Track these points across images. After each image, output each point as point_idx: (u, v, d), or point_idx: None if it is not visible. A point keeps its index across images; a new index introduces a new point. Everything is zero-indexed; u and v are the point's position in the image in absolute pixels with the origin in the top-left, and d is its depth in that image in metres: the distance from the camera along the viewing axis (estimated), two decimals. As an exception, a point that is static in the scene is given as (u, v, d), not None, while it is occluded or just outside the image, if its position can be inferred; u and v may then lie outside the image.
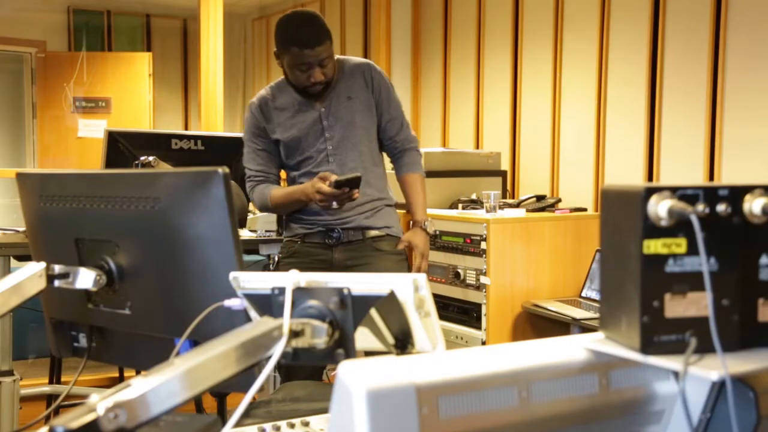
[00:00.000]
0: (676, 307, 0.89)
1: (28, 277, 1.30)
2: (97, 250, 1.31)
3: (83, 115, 6.74)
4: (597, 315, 2.97)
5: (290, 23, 2.56)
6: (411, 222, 2.75)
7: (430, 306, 1.05)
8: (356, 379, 0.78)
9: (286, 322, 0.99)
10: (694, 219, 0.86)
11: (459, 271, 3.56)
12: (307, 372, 2.49)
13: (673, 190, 0.88)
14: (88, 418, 0.80)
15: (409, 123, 2.85)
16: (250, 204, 3.39)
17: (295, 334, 0.99)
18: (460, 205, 3.89)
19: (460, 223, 3.60)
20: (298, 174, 2.68)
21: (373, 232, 2.67)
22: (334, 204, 2.46)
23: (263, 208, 2.77)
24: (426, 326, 1.07)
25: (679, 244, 0.88)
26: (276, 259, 2.82)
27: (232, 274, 1.12)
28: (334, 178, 2.42)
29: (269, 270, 3.36)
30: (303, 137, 2.65)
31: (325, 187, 2.41)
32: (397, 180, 2.81)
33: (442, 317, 2.90)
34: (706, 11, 3.45)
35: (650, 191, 0.87)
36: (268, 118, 2.68)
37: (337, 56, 2.70)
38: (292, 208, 2.67)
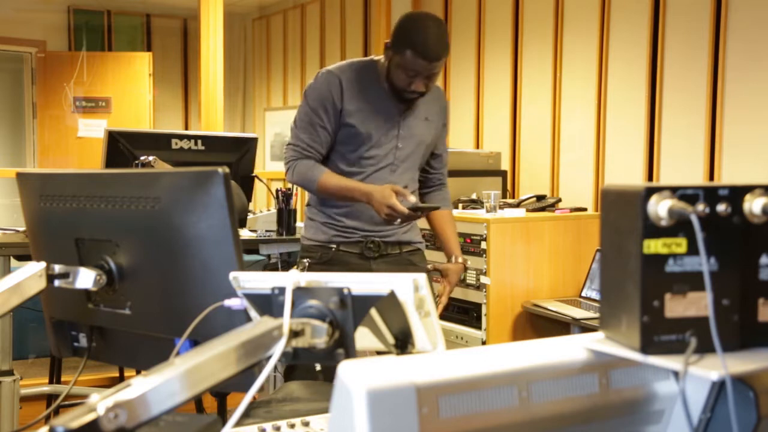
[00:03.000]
0: (676, 306, 0.89)
1: (28, 277, 1.30)
2: (97, 250, 1.31)
3: (83, 114, 6.74)
4: (597, 315, 2.97)
5: (418, 26, 2.39)
6: (452, 257, 2.71)
7: (430, 306, 1.05)
8: (356, 379, 0.78)
9: (286, 321, 0.99)
10: (694, 219, 0.86)
11: (459, 271, 3.55)
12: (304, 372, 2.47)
13: (673, 190, 0.88)
14: (88, 418, 0.80)
15: None
16: (250, 204, 3.39)
17: (295, 334, 0.99)
18: (460, 205, 3.89)
19: (460, 223, 3.58)
20: (354, 171, 2.54)
21: (409, 247, 2.67)
22: (398, 221, 2.40)
23: (301, 183, 2.56)
24: (426, 326, 1.06)
25: (679, 244, 0.88)
26: (276, 257, 2.77)
27: (232, 274, 1.12)
28: (412, 200, 2.36)
29: (272, 270, 3.35)
30: (377, 136, 2.52)
31: (400, 206, 2.32)
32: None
33: (442, 317, 2.90)
34: (706, 11, 3.45)
35: (650, 191, 0.87)
36: (348, 98, 2.48)
37: None
38: (338, 201, 2.55)
